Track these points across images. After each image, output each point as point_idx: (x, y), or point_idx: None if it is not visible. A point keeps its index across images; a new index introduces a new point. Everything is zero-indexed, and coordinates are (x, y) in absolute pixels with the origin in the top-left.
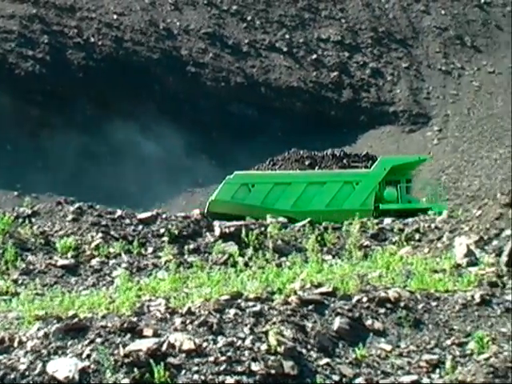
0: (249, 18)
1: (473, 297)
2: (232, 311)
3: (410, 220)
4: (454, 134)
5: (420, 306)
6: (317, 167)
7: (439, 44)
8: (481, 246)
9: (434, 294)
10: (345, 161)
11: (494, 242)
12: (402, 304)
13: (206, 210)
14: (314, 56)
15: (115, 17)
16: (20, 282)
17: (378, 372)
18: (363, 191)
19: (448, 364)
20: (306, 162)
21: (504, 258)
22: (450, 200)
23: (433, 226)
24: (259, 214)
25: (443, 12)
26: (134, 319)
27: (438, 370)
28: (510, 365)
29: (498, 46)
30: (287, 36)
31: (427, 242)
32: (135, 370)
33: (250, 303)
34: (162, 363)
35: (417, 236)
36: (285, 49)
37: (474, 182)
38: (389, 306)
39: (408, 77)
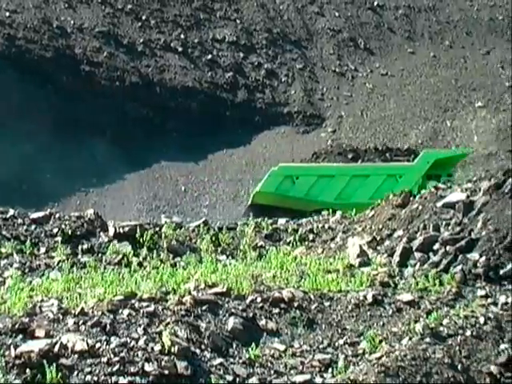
0: (144, 17)
1: (365, 297)
2: (126, 311)
3: (303, 220)
4: (347, 135)
5: (313, 306)
6: (360, 160)
7: (333, 46)
8: (373, 247)
9: (327, 294)
10: (387, 154)
11: (386, 243)
12: (295, 304)
13: (250, 202)
14: (209, 56)
15: (7, 14)
16: None
17: (272, 372)
18: (406, 184)
19: (340, 363)
20: (349, 156)
21: (396, 259)
22: None
23: (326, 226)
24: (303, 206)
25: (337, 14)
26: (26, 320)
27: (330, 370)
28: (400, 364)
29: (390, 49)
30: (182, 36)
31: (321, 242)
32: (27, 371)
33: (144, 303)
34: (55, 364)
35: (311, 236)
36: (180, 49)
37: None
38: (282, 306)
39: (302, 78)
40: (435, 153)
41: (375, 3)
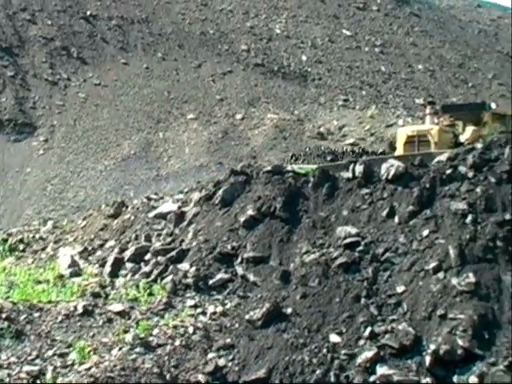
0: None
1: (75, 307)
2: None
3: (14, 230)
4: (59, 144)
5: (22, 317)
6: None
7: (45, 54)
8: (85, 257)
9: (37, 304)
10: (364, 157)
11: (98, 253)
12: (3, 315)
13: None
14: None
15: None
16: None
17: None
18: None
19: (49, 375)
20: (328, 158)
21: (107, 269)
22: (55, 211)
23: (37, 236)
24: None
25: (49, 22)
26: None
27: (38, 382)
28: (110, 374)
29: (103, 59)
30: None
31: (31, 252)
32: None
33: None
34: None
35: (21, 246)
36: None
37: (79, 192)
38: None
39: (13, 86)
40: None
41: (88, 13)
